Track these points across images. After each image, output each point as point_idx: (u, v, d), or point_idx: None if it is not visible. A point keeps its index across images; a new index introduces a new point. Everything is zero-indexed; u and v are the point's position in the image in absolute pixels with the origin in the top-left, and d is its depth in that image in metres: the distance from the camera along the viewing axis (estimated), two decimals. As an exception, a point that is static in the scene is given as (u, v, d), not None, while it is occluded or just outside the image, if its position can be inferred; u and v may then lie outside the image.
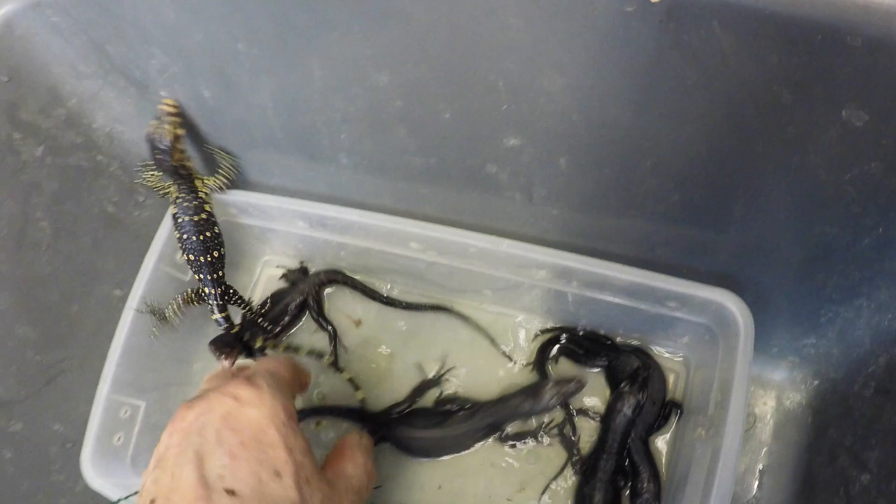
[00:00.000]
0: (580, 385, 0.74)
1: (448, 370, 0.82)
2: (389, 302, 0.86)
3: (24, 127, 0.68)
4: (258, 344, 0.78)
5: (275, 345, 0.83)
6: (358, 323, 0.87)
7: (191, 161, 0.71)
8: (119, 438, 0.72)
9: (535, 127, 0.58)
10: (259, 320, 0.81)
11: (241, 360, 0.81)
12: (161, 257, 0.74)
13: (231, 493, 0.45)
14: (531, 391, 0.76)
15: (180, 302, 0.75)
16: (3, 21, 0.64)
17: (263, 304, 0.85)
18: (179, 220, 0.71)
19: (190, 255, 0.72)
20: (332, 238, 0.79)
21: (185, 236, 0.72)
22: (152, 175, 0.72)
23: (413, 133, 0.63)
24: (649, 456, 0.74)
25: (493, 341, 0.83)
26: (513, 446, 0.78)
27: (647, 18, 0.45)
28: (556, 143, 0.59)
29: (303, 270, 0.89)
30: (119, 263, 0.77)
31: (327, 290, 0.89)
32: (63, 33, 0.65)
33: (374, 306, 0.87)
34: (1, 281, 0.67)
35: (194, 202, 0.71)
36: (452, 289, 0.83)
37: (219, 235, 0.74)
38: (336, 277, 0.87)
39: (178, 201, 0.71)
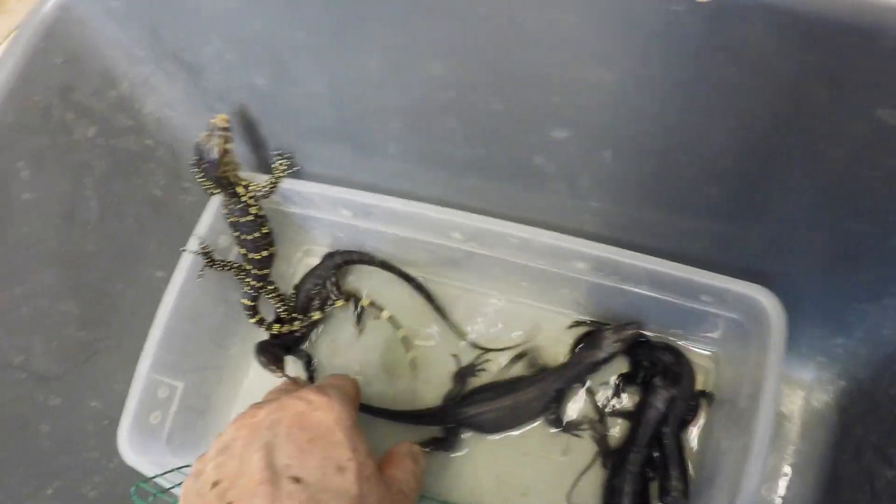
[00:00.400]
0: (638, 328, 0.77)
1: (483, 362, 0.87)
2: (405, 276, 0.90)
3: (78, 108, 0.71)
4: (296, 326, 0.84)
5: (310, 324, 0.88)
6: (382, 308, 0.92)
7: (237, 170, 0.75)
8: (156, 417, 0.76)
9: (582, 120, 0.61)
10: (300, 318, 0.86)
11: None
12: (203, 242, 0.79)
13: (297, 480, 0.51)
14: (591, 343, 0.80)
15: (226, 267, 0.81)
16: (61, 4, 0.68)
17: (293, 298, 0.90)
18: (230, 220, 0.77)
19: (241, 249, 0.79)
20: (372, 227, 0.82)
21: (236, 232, 0.78)
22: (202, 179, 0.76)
23: (463, 123, 0.67)
24: (681, 453, 0.77)
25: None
26: (556, 422, 0.81)
27: (693, 18, 0.49)
28: (602, 136, 0.63)
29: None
30: (162, 246, 0.81)
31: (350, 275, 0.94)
32: (119, 18, 0.69)
33: (405, 295, 0.91)
34: (48, 257, 0.71)
35: (239, 205, 0.76)
36: (488, 279, 0.87)
37: (268, 235, 0.79)
38: (352, 257, 0.91)
39: (224, 202, 0.77)
